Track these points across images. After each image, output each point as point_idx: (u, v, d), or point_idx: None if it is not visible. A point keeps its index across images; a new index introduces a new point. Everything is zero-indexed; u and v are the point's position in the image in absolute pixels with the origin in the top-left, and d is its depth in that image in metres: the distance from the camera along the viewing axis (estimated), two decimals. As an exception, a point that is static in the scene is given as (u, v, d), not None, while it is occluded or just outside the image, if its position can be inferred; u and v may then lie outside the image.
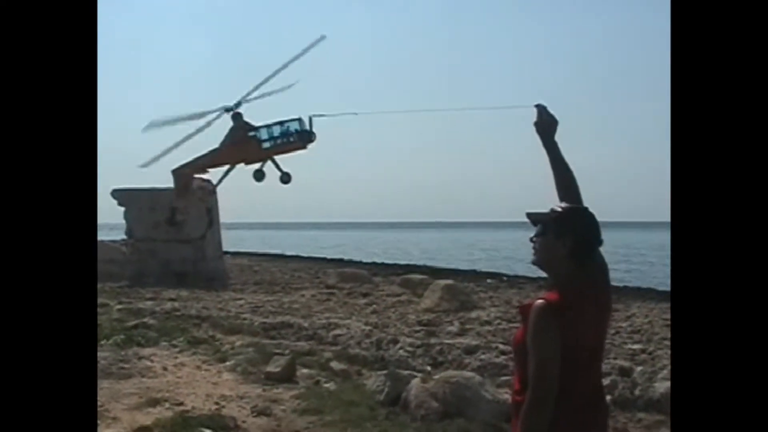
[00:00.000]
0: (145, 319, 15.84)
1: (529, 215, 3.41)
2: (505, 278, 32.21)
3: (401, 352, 13.06)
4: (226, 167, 26.85)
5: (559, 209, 3.37)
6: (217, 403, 9.09)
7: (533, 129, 3.80)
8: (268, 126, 25.43)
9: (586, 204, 3.53)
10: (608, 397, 9.33)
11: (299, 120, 24.86)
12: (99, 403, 8.73)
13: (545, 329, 3.12)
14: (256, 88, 25.04)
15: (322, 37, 25.79)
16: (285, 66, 24.55)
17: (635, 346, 13.82)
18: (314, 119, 24.59)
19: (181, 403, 8.99)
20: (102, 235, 30.96)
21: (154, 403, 8.95)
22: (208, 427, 7.82)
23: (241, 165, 26.94)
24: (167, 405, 8.88)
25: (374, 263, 44.81)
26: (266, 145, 25.51)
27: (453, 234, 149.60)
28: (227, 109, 25.77)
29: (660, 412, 8.97)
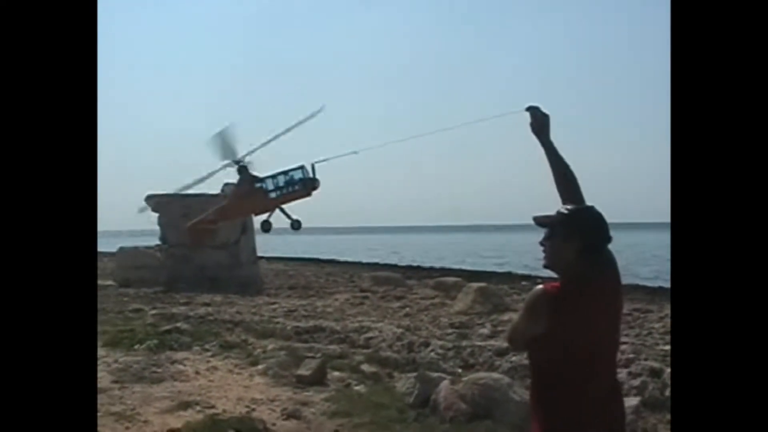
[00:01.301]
0: (179, 324, 15.95)
1: (536, 219, 3.41)
2: (539, 280, 31.94)
3: (432, 354, 13.04)
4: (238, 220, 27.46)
5: (565, 211, 3.36)
6: (247, 407, 9.16)
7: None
8: (273, 176, 25.66)
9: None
10: (638, 398, 9.28)
11: (302, 168, 25.18)
12: (131, 407, 8.88)
13: (530, 305, 3.25)
14: (261, 146, 25.42)
15: (322, 108, 25.91)
16: (286, 131, 24.86)
17: (667, 347, 13.65)
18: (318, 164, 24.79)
19: (212, 407, 9.06)
20: (137, 242, 31.40)
21: (186, 406, 9.03)
22: (237, 430, 7.88)
23: None
24: (198, 408, 8.95)
25: (409, 267, 44.87)
26: (273, 195, 25.73)
27: (488, 237, 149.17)
28: (232, 164, 25.99)
29: (691, 413, 8.88)
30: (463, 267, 44.29)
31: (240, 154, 25.29)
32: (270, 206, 25.75)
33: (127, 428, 8.05)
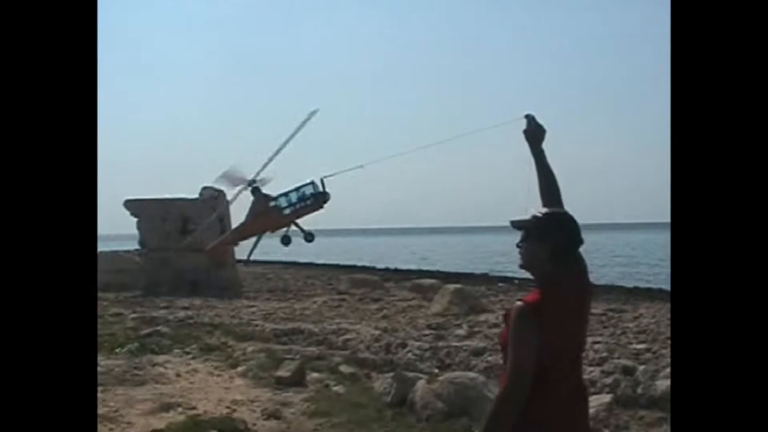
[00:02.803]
0: (159, 328, 16.09)
1: (512, 222, 3.56)
2: (516, 281, 32.29)
3: (409, 355, 13.29)
4: (254, 238, 27.81)
5: (540, 215, 3.52)
6: (228, 407, 9.30)
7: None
8: (285, 194, 26.22)
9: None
10: (610, 396, 9.54)
11: (312, 183, 25.70)
12: (114, 409, 9.01)
13: (522, 329, 3.26)
14: (264, 166, 25.80)
15: (315, 111, 26.70)
16: (286, 142, 25.20)
17: (640, 346, 13.96)
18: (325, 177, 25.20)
19: (194, 408, 9.20)
20: (115, 246, 31.34)
21: (167, 408, 9.15)
22: (219, 430, 8.05)
23: None
24: (180, 410, 9.08)
25: (387, 269, 44.95)
26: (287, 212, 26.21)
27: (466, 238, 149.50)
28: (246, 187, 26.38)
29: (661, 410, 9.13)
30: (441, 269, 44.46)
31: (249, 177, 25.78)
32: (285, 222, 26.32)
33: (111, 429, 8.17)
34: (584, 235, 3.49)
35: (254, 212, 26.62)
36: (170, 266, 29.21)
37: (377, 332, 15.85)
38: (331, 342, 15.13)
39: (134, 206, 30.61)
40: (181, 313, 19.77)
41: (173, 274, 28.82)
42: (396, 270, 44.14)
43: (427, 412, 8.65)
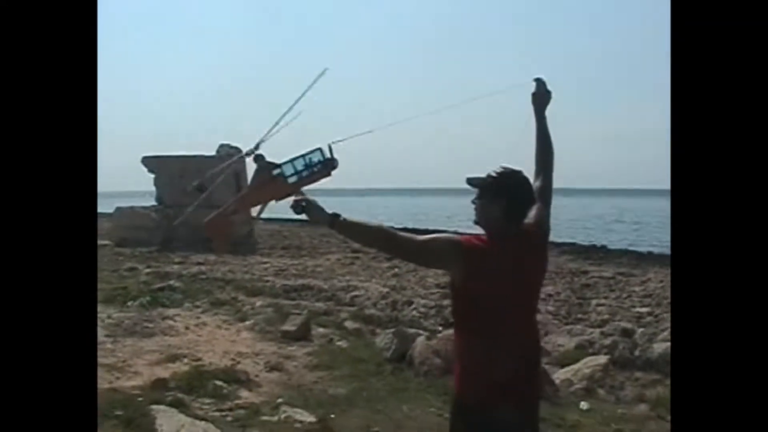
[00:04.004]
0: (171, 282, 16.33)
1: (468, 180, 3.69)
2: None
3: (414, 312, 13.50)
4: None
5: (494, 174, 3.62)
6: (233, 359, 9.54)
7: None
8: (291, 161, 26.03)
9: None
10: (607, 357, 9.71)
11: (320, 149, 25.59)
12: (122, 359, 9.27)
13: (444, 245, 3.51)
14: (271, 128, 25.97)
15: (325, 70, 26.77)
16: (295, 103, 25.57)
17: (643, 309, 14.11)
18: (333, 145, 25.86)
19: (199, 359, 9.43)
20: (133, 202, 31.63)
21: (174, 359, 9.39)
22: (221, 380, 8.29)
23: None
24: (186, 361, 9.32)
25: (404, 229, 44.88)
26: (292, 179, 26.07)
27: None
28: (248, 153, 26.53)
29: (657, 372, 9.30)
30: (459, 230, 44.30)
31: (252, 145, 26.16)
32: (290, 191, 26.52)
33: (117, 378, 8.42)
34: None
35: (257, 181, 27.33)
36: (186, 222, 29.50)
37: (385, 290, 16.09)
38: (339, 298, 15.39)
39: (152, 163, 30.89)
40: (195, 269, 20.07)
41: (189, 231, 29.14)
42: (414, 230, 44.16)
43: (425, 368, 8.86)
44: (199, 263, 21.98)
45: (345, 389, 8.38)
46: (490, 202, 3.59)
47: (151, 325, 11.54)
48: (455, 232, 3.80)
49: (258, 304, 13.75)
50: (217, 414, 7.29)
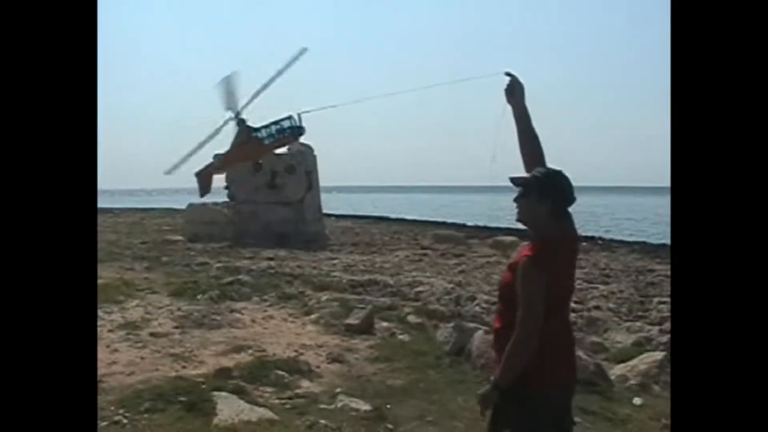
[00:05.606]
0: (241, 276, 16.70)
1: (512, 179, 3.82)
2: (600, 241, 32.17)
3: (476, 308, 13.55)
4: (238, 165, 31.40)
5: (539, 174, 3.76)
6: (296, 351, 9.75)
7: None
8: (266, 126, 30.62)
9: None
10: (663, 354, 9.62)
11: (290, 118, 30.17)
12: (189, 349, 9.58)
13: (531, 278, 3.55)
14: (252, 98, 30.44)
15: (304, 50, 31.31)
16: (272, 80, 30.12)
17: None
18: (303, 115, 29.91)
19: (263, 350, 9.67)
20: (205, 199, 32.38)
21: (239, 350, 9.65)
22: (283, 370, 8.50)
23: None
24: (250, 352, 9.56)
25: (475, 226, 44.60)
26: (266, 142, 30.64)
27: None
28: (234, 115, 30.86)
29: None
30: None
31: (239, 106, 30.47)
32: (265, 152, 30.83)
33: (183, 367, 8.71)
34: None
35: (237, 142, 30.87)
36: (258, 218, 30.17)
37: (450, 285, 16.16)
38: (404, 293, 15.53)
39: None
40: (264, 264, 20.44)
41: (261, 226, 29.73)
42: (484, 227, 43.88)
43: (482, 361, 8.91)
44: (269, 258, 22.37)
45: (403, 380, 8.51)
46: (536, 201, 3.72)
47: (218, 318, 11.85)
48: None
49: (324, 298, 13.96)
50: (277, 402, 7.50)
